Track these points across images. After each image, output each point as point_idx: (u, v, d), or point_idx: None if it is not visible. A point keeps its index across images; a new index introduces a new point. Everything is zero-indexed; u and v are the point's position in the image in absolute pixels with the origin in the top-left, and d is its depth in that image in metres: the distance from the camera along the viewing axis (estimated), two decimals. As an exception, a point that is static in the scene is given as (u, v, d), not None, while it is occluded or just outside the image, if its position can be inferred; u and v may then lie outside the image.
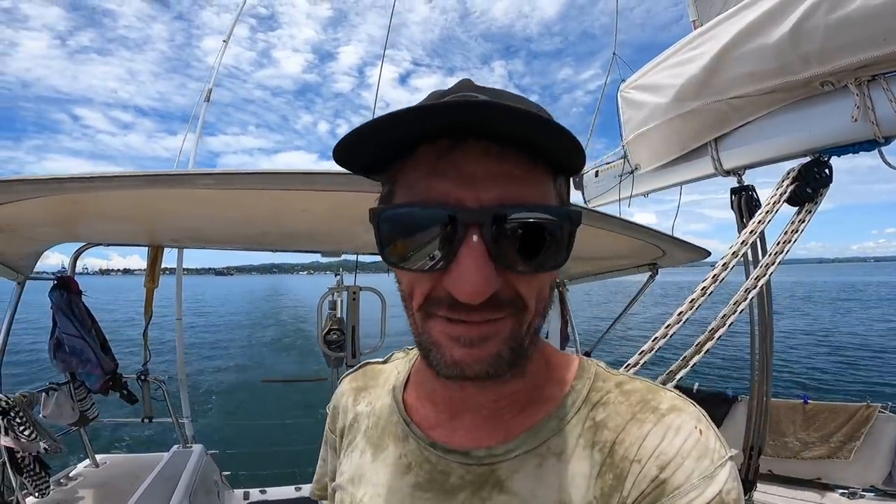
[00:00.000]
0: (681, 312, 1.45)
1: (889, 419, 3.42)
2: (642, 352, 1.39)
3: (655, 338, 1.41)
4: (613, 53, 3.28)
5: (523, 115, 0.33)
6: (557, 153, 0.38)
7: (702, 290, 1.49)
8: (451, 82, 0.46)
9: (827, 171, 1.72)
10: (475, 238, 0.36)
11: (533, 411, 0.48)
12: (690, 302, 1.47)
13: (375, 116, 0.35)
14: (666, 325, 1.43)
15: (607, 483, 0.42)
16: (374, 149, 0.39)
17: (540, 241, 0.38)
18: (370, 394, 0.61)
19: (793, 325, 19.83)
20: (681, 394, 0.46)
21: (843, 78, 1.60)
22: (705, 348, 1.42)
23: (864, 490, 3.26)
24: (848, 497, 3.21)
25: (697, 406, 0.45)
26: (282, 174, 1.20)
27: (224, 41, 3.89)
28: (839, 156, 1.72)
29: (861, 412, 3.44)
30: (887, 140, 1.62)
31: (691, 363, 1.40)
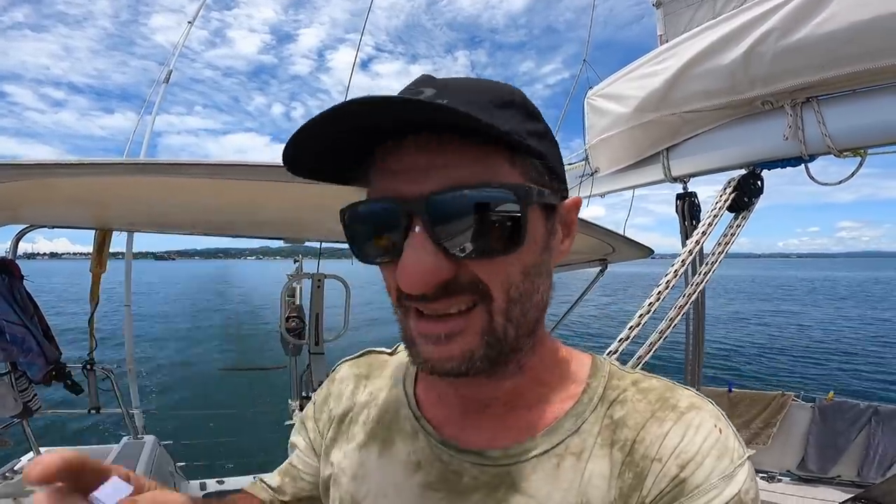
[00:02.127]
0: (650, 303, 1.62)
1: (801, 407, 3.75)
2: (621, 339, 1.53)
3: (631, 326, 1.56)
4: (584, 60, 3.40)
5: (421, 105, 0.33)
6: (480, 131, 0.35)
7: (666, 283, 1.67)
8: (413, 70, 0.46)
9: (759, 182, 1.93)
10: (417, 228, 0.37)
11: (548, 410, 0.47)
12: (658, 294, 1.64)
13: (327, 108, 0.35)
14: (639, 314, 1.58)
15: (627, 482, 0.42)
16: (319, 153, 0.39)
17: (486, 221, 0.36)
18: (372, 384, 0.58)
19: (728, 316, 21.45)
20: (698, 392, 0.46)
21: (781, 99, 1.78)
22: (666, 335, 1.60)
23: (780, 474, 3.53)
24: (767, 481, 3.45)
25: (715, 404, 0.45)
26: (270, 167, 1.21)
27: (189, 22, 3.69)
28: (769, 169, 1.93)
29: (777, 400, 3.75)
30: (811, 157, 1.83)
31: (655, 348, 1.57)
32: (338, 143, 0.38)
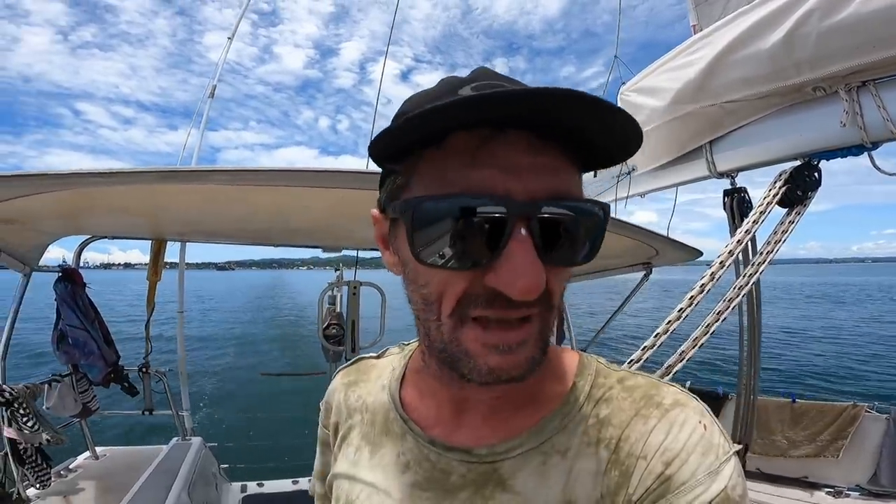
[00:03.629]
0: (681, 309, 1.49)
1: (875, 419, 3.46)
2: (645, 347, 1.43)
3: (657, 333, 1.45)
4: (615, 56, 3.32)
5: (610, 108, 0.33)
6: (611, 144, 0.37)
7: (700, 287, 1.54)
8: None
9: (816, 174, 1.78)
10: (524, 231, 0.35)
11: (535, 408, 0.47)
12: (690, 299, 1.51)
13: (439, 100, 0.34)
14: (667, 321, 1.47)
15: (613, 480, 0.42)
16: (410, 138, 0.37)
17: (579, 235, 0.38)
18: (360, 388, 0.59)
19: (790, 323, 20.04)
20: (683, 388, 0.46)
21: (834, 84, 1.64)
22: (700, 343, 1.48)
23: (849, 489, 3.29)
24: (834, 495, 3.24)
25: (700, 401, 0.45)
26: (288, 171, 1.23)
27: (229, 38, 3.91)
28: (828, 160, 1.78)
29: (847, 412, 3.49)
30: (874, 145, 1.67)
31: (687, 357, 1.45)
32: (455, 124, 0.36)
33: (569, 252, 0.38)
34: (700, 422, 0.42)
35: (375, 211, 0.47)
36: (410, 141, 0.37)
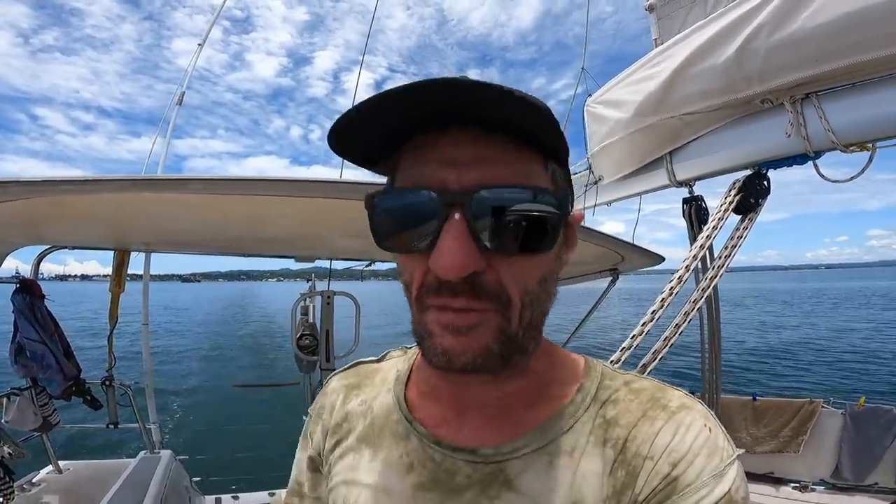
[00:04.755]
0: (654, 311, 1.58)
1: (831, 414, 3.64)
2: (623, 348, 1.50)
3: (633, 335, 1.52)
4: (582, 68, 3.44)
5: (507, 92, 0.34)
6: (537, 132, 0.38)
7: (669, 290, 1.63)
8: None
9: (766, 182, 1.89)
10: (457, 216, 0.37)
11: (541, 409, 0.47)
12: (661, 301, 1.60)
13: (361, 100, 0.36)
14: (641, 322, 1.55)
15: (619, 480, 0.42)
16: (367, 136, 0.40)
17: (522, 222, 0.38)
18: (364, 392, 0.58)
19: (750, 326, 20.86)
20: (688, 392, 0.47)
21: (780, 96, 1.74)
22: (671, 342, 1.56)
23: (814, 483, 3.43)
24: (800, 490, 3.37)
25: (704, 404, 0.46)
26: (267, 181, 1.24)
27: (199, 44, 3.84)
28: (775, 168, 1.89)
29: (805, 408, 3.65)
30: (817, 154, 1.78)
31: (660, 356, 1.52)
32: (380, 126, 0.39)
33: (517, 240, 0.38)
34: (705, 425, 0.43)
35: None
36: (360, 140, 0.40)
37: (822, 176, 1.94)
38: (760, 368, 12.09)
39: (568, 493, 0.43)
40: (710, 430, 0.43)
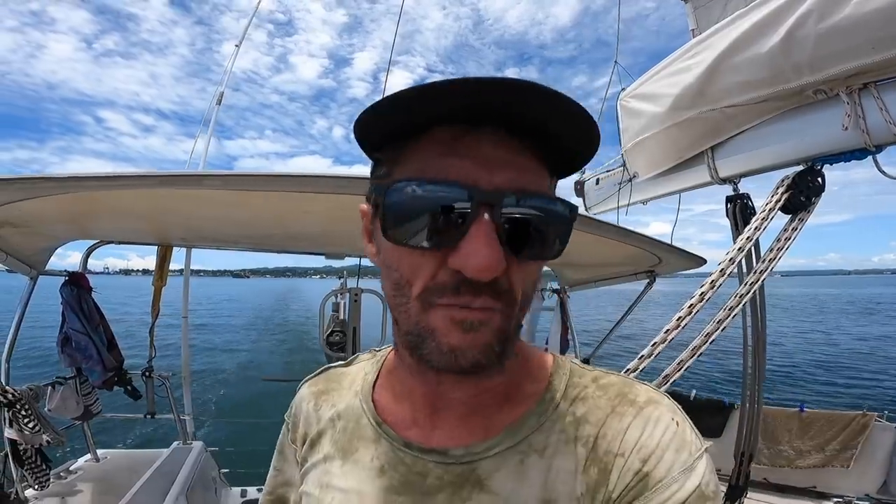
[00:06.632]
0: (679, 318, 1.47)
1: (885, 427, 3.42)
2: (642, 356, 1.40)
3: (654, 343, 1.43)
4: (615, 62, 3.32)
5: (561, 98, 0.34)
6: (575, 145, 0.39)
7: (700, 295, 1.51)
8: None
9: (819, 179, 1.75)
10: (486, 216, 0.37)
11: (511, 408, 0.47)
12: (689, 307, 1.48)
13: (396, 91, 0.36)
14: (665, 330, 1.45)
15: (592, 478, 0.42)
16: (390, 126, 0.39)
17: (541, 230, 0.39)
18: (332, 397, 0.58)
19: (805, 335, 19.77)
20: (654, 386, 0.48)
21: (835, 86, 1.61)
22: (699, 352, 1.45)
23: (858, 499, 3.26)
24: None
25: (671, 398, 0.46)
26: (285, 177, 1.24)
27: (236, 45, 3.96)
28: (831, 164, 1.75)
29: (857, 420, 3.44)
30: (878, 148, 1.64)
31: (685, 367, 1.42)
32: (426, 113, 0.37)
33: (533, 246, 0.39)
34: (673, 419, 0.43)
35: (363, 205, 0.47)
36: (393, 125, 0.39)
37: (882, 172, 1.80)
38: (812, 378, 11.43)
39: (540, 492, 0.42)
40: (677, 423, 0.43)
